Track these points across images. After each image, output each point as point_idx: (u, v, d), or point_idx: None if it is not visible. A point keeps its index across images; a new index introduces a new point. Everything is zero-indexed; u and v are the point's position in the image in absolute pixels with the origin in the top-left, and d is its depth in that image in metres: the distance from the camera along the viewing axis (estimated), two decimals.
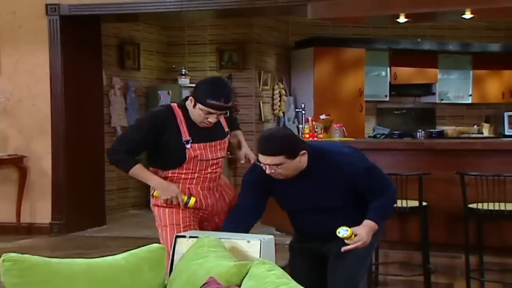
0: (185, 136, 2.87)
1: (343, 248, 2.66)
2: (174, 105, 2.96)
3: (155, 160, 2.97)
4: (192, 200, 2.87)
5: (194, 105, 2.86)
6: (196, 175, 2.91)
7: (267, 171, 2.68)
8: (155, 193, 2.92)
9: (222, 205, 3.01)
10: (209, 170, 2.94)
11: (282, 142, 2.65)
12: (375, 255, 4.29)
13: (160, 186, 2.87)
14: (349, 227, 2.63)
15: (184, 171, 2.90)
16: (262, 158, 2.67)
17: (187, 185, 2.91)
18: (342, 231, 2.62)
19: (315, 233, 2.86)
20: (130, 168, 2.89)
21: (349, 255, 2.74)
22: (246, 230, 2.78)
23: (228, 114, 3.04)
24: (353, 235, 2.64)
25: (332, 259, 2.80)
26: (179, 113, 2.90)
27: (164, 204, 2.91)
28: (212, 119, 2.86)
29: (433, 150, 4.92)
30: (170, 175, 2.91)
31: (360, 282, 2.80)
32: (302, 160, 2.69)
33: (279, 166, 2.64)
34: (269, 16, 7.81)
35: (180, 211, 2.90)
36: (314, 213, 2.80)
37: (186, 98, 2.95)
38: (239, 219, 2.80)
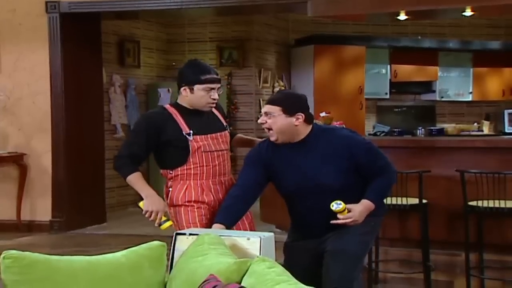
0: (185, 129, 2.88)
1: (332, 222, 2.67)
2: (167, 105, 2.99)
3: (162, 161, 2.97)
4: (168, 223, 2.88)
5: (192, 91, 2.90)
6: (204, 168, 2.90)
7: (260, 120, 2.78)
8: (140, 204, 2.91)
9: None
10: (216, 162, 2.94)
11: (286, 96, 2.84)
12: (375, 253, 4.29)
13: (150, 198, 2.88)
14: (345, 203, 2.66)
15: (192, 166, 2.89)
16: (264, 107, 2.78)
17: (199, 181, 2.90)
18: (336, 205, 2.65)
19: (312, 220, 2.83)
20: (128, 174, 2.90)
21: (344, 253, 2.73)
22: (247, 205, 2.82)
23: (223, 114, 3.11)
24: (347, 210, 2.66)
25: (326, 257, 2.78)
26: (174, 111, 2.92)
27: (180, 202, 2.90)
28: (215, 95, 2.92)
29: (433, 148, 4.92)
30: (179, 173, 2.91)
31: (354, 281, 2.78)
32: (297, 124, 2.72)
33: (270, 116, 2.72)
34: (269, 13, 7.81)
35: (196, 210, 2.89)
36: (312, 195, 2.77)
37: (175, 100, 3.00)
38: (239, 194, 2.81)
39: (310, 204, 2.81)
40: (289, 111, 2.71)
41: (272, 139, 2.77)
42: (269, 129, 2.76)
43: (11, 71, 6.28)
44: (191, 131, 2.88)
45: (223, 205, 2.82)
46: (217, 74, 2.97)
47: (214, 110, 3.03)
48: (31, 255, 2.19)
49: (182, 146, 2.88)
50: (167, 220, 2.88)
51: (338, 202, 2.65)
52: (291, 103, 2.74)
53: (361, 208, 2.70)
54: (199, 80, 2.89)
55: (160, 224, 2.87)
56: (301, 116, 2.72)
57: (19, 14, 6.24)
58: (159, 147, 2.92)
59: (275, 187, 2.91)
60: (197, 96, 2.90)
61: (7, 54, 6.26)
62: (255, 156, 2.88)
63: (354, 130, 2.95)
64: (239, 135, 3.35)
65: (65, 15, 6.13)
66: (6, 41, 6.26)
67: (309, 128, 2.77)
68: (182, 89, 2.93)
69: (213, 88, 2.91)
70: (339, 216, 2.67)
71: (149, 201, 2.87)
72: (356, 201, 2.73)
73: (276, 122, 2.72)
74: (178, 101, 2.98)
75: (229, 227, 2.70)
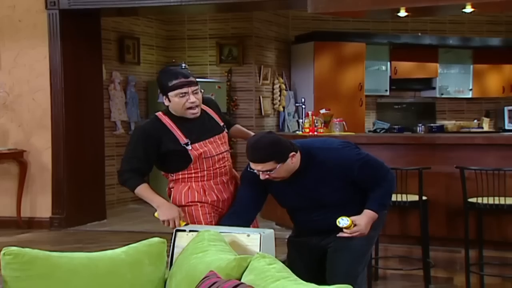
0: (182, 139, 2.84)
1: (339, 234, 2.69)
2: (160, 113, 2.93)
3: (163, 167, 2.95)
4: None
5: (169, 100, 2.84)
6: (205, 172, 2.89)
7: (261, 177, 2.68)
8: (155, 214, 2.86)
9: None
10: (217, 166, 2.92)
11: (270, 148, 2.64)
12: (375, 249, 4.29)
13: (162, 207, 2.82)
14: (349, 217, 2.66)
15: (193, 171, 2.88)
16: (253, 165, 2.67)
17: (200, 182, 2.89)
18: (342, 221, 2.65)
19: (315, 228, 2.86)
20: (136, 187, 2.85)
21: (348, 249, 2.75)
22: (247, 225, 2.78)
23: (219, 111, 3.06)
24: (353, 225, 2.67)
25: (331, 253, 2.80)
26: (167, 120, 2.87)
27: (183, 203, 2.89)
28: (191, 98, 2.82)
29: (433, 145, 4.92)
30: (180, 176, 2.89)
31: (359, 276, 2.80)
32: (293, 161, 2.69)
33: (271, 172, 2.65)
34: (269, 10, 7.80)
35: (200, 208, 2.88)
36: (314, 209, 2.81)
37: (167, 107, 2.93)
38: (238, 215, 2.80)
39: (312, 216, 2.83)
40: (283, 158, 2.64)
41: (276, 180, 2.72)
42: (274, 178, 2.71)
43: (11, 67, 6.28)
44: (188, 141, 2.84)
45: (223, 222, 2.80)
46: (186, 77, 2.83)
47: (209, 111, 2.99)
48: (31, 252, 2.19)
49: (182, 155, 2.85)
50: (186, 224, 2.81)
51: (345, 218, 2.65)
52: (280, 151, 2.64)
53: (366, 220, 2.71)
54: (169, 88, 2.82)
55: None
56: (294, 154, 2.68)
57: (19, 10, 6.23)
58: (159, 157, 2.88)
59: (276, 201, 2.92)
60: (174, 103, 2.84)
61: (7, 51, 6.26)
62: (251, 175, 2.79)
63: (345, 142, 2.88)
64: (237, 126, 3.28)
65: (64, 11, 6.12)
66: (5, 38, 6.25)
67: (299, 155, 2.73)
68: (163, 99, 2.88)
69: (185, 93, 2.82)
70: (345, 230, 2.68)
71: (163, 211, 2.82)
72: (358, 209, 2.73)
73: (281, 172, 2.67)
74: (169, 108, 2.91)
75: None
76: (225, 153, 2.97)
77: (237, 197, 2.89)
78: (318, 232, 2.86)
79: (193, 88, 2.84)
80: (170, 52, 8.08)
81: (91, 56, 6.53)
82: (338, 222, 2.65)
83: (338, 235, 2.69)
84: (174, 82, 2.81)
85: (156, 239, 2.41)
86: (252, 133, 3.20)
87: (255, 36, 7.85)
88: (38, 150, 6.24)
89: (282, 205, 2.93)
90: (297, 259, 2.90)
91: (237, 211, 2.82)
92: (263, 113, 7.91)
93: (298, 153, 2.71)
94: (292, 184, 2.76)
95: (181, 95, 2.81)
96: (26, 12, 6.21)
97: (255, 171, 2.68)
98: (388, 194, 2.85)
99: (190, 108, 2.84)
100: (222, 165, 2.94)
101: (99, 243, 5.33)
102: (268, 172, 2.65)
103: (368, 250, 2.94)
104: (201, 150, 2.87)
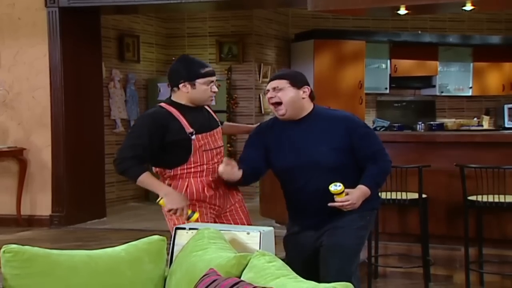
0: (188, 128, 2.85)
1: (330, 204, 2.67)
2: (163, 104, 2.93)
3: (161, 160, 2.92)
4: (195, 215, 2.79)
5: (193, 86, 2.88)
6: (204, 167, 2.89)
7: (268, 95, 2.83)
8: (160, 202, 2.83)
9: (231, 200, 2.99)
10: (215, 160, 2.92)
11: (290, 71, 3.10)
12: (374, 247, 4.30)
13: (170, 196, 2.80)
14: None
15: (192, 165, 2.87)
16: (269, 85, 2.87)
17: (199, 178, 2.88)
18: (334, 186, 2.65)
19: (307, 201, 2.80)
20: (139, 175, 2.81)
21: (341, 247, 2.73)
22: (254, 180, 2.94)
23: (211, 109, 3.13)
24: (345, 193, 2.66)
25: (323, 251, 2.77)
26: (172, 109, 2.88)
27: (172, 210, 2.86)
28: (214, 88, 2.97)
29: (433, 143, 4.92)
30: (179, 172, 2.87)
31: (352, 276, 2.75)
32: (304, 97, 2.82)
33: (280, 90, 2.79)
34: (269, 8, 7.80)
35: (197, 209, 2.86)
36: (306, 172, 2.76)
37: (169, 99, 2.94)
38: (245, 170, 2.81)
39: (304, 183, 2.78)
40: (296, 84, 2.81)
41: (280, 113, 2.82)
42: (278, 103, 2.81)
43: (11, 65, 6.28)
44: (193, 130, 2.85)
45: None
46: (210, 66, 3.02)
47: (206, 106, 3.02)
48: (31, 249, 2.20)
49: (184, 145, 2.85)
50: (193, 212, 2.80)
51: (338, 184, 2.64)
52: (297, 76, 2.87)
53: (359, 193, 2.71)
54: (199, 74, 2.87)
55: (188, 218, 2.78)
56: (307, 89, 2.83)
57: (19, 8, 6.22)
58: (160, 149, 2.86)
59: (271, 166, 2.90)
60: (200, 90, 2.88)
61: (7, 49, 6.25)
62: (255, 136, 2.94)
63: (355, 115, 2.96)
64: (226, 123, 3.37)
65: (64, 9, 6.11)
66: (5, 36, 6.25)
67: (311, 105, 2.86)
68: (181, 85, 2.87)
69: (212, 81, 2.94)
70: (336, 198, 2.66)
71: (170, 199, 2.79)
72: (350, 182, 2.71)
73: (286, 95, 2.80)
74: (173, 99, 2.92)
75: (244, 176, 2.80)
76: (221, 148, 3.01)
77: (241, 157, 2.94)
78: (310, 209, 2.80)
79: (215, 78, 3.00)
80: (170, 50, 8.08)
81: (91, 54, 6.53)
82: (331, 186, 2.64)
83: (329, 204, 2.67)
84: (207, 69, 2.93)
85: (156, 237, 2.41)
86: (245, 125, 3.39)
87: (255, 34, 7.85)
88: (38, 148, 6.24)
89: (276, 167, 2.89)
90: (293, 257, 2.87)
91: (243, 167, 2.82)
92: (263, 111, 7.91)
93: (312, 104, 2.85)
94: (294, 135, 2.80)
95: (208, 83, 2.92)
96: (25, 10, 6.20)
97: (267, 95, 2.85)
98: (384, 174, 2.86)
99: (211, 96, 2.96)
100: (219, 160, 2.94)
101: (99, 241, 5.34)
102: (277, 91, 2.80)
103: (360, 249, 2.91)
104: (202, 142, 2.88)
